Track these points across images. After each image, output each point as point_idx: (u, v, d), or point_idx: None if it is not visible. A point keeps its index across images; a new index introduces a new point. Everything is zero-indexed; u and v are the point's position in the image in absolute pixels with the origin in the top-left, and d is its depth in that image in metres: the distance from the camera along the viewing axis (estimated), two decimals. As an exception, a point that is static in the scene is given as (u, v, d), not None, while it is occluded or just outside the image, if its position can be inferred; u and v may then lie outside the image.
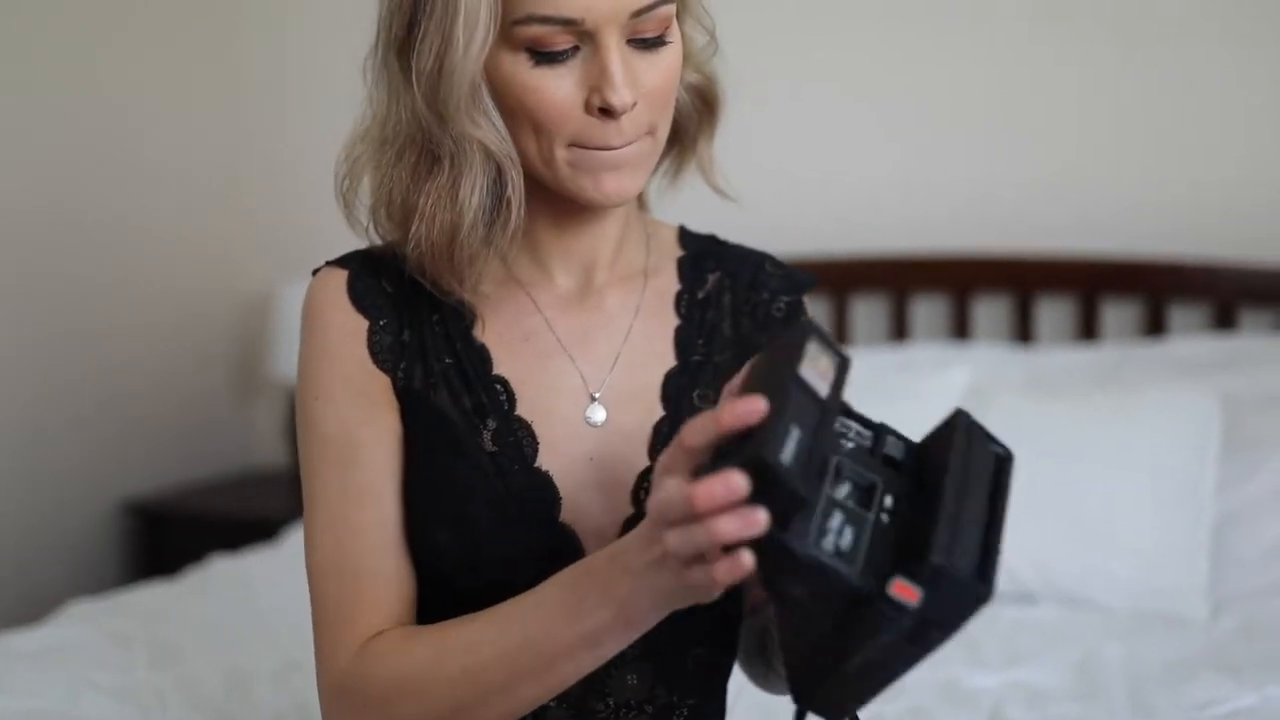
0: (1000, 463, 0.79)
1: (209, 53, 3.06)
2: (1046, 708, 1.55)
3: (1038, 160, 2.50)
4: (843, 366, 0.78)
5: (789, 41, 2.55)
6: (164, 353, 2.98)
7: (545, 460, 0.98)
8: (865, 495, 0.76)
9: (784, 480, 0.70)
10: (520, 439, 0.98)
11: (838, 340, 2.53)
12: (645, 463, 0.99)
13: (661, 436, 1.00)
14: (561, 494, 0.97)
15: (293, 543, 2.18)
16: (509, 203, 0.93)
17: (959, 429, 0.78)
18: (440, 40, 0.90)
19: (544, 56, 0.90)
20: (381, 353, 0.98)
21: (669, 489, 0.74)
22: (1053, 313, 2.51)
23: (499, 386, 0.99)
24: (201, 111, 3.05)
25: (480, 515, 0.96)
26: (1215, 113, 2.40)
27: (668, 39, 0.93)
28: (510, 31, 0.89)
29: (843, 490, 0.75)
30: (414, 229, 0.94)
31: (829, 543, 0.72)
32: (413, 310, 1.00)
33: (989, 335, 2.54)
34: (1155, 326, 2.41)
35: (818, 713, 0.80)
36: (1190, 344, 2.30)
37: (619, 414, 1.00)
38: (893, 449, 0.78)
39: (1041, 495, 1.98)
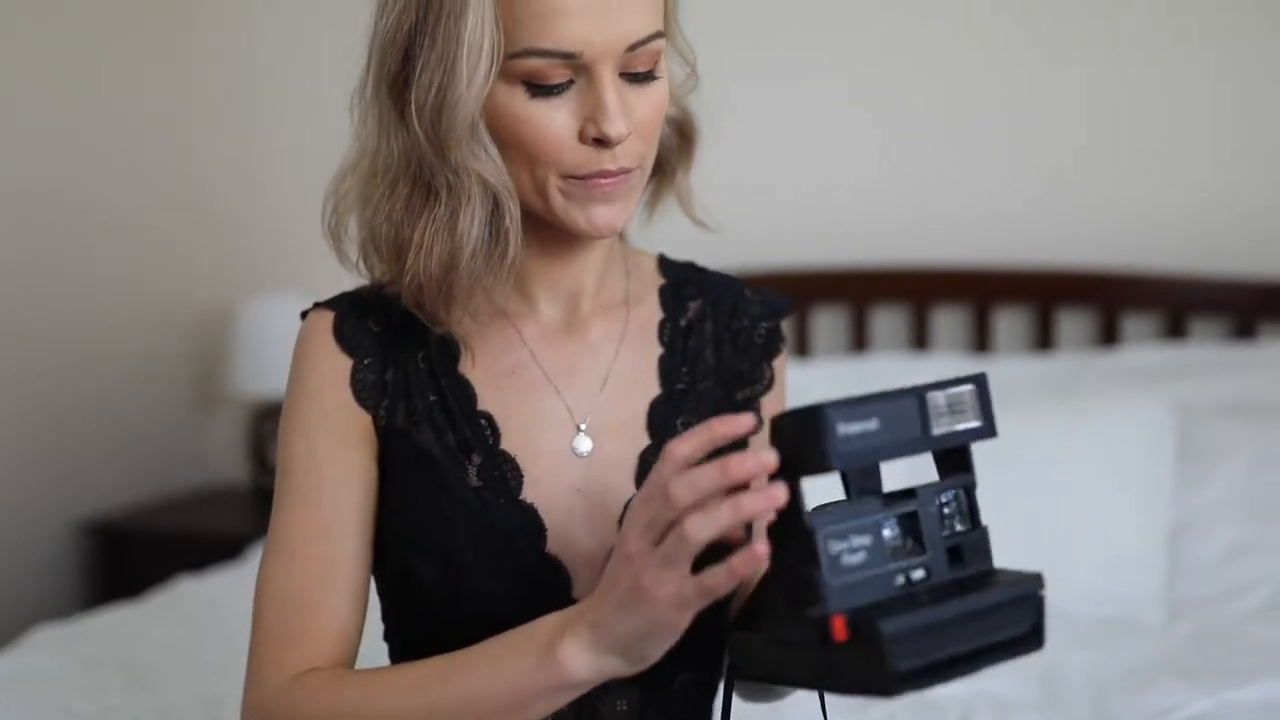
0: (1035, 607, 0.81)
1: (170, 64, 3.04)
2: (1012, 717, 1.58)
3: (994, 174, 2.54)
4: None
5: (747, 54, 2.57)
6: (121, 367, 2.95)
7: (531, 493, 0.99)
8: (903, 547, 0.80)
9: (827, 451, 0.75)
10: (505, 473, 0.99)
11: (802, 353, 2.57)
12: (632, 491, 1.00)
13: (647, 465, 1.01)
14: (548, 525, 0.99)
15: (258, 559, 2.18)
16: (506, 234, 0.95)
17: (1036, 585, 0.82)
18: (443, 73, 0.91)
19: (540, 89, 0.91)
20: (364, 391, 1.00)
21: (693, 474, 0.76)
22: (1010, 323, 2.56)
23: (483, 422, 1.01)
24: (162, 122, 3.03)
25: (466, 549, 0.97)
26: (1165, 129, 2.45)
27: (657, 73, 0.95)
28: (507, 65, 0.91)
29: (890, 526, 0.79)
30: (410, 261, 0.95)
31: (840, 548, 0.76)
32: (398, 349, 1.01)
33: (948, 346, 2.58)
34: (1109, 336, 2.46)
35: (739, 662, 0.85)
36: (1143, 353, 2.35)
37: (605, 443, 1.02)
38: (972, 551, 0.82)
39: (1003, 504, 2.00)
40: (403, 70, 0.94)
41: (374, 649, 1.04)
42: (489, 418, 1.01)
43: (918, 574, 0.79)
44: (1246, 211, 2.41)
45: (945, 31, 2.55)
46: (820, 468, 0.76)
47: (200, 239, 3.10)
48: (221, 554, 2.60)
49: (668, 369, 1.05)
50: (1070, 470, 2.04)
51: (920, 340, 2.56)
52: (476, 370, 1.01)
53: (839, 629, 0.75)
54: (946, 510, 0.82)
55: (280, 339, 2.79)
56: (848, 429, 0.75)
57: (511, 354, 1.02)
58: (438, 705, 0.88)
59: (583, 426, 1.02)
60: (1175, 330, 2.43)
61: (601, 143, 0.92)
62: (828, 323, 2.65)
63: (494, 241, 0.95)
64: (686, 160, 1.05)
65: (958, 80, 2.56)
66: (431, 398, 1.00)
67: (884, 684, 0.74)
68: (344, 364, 1.00)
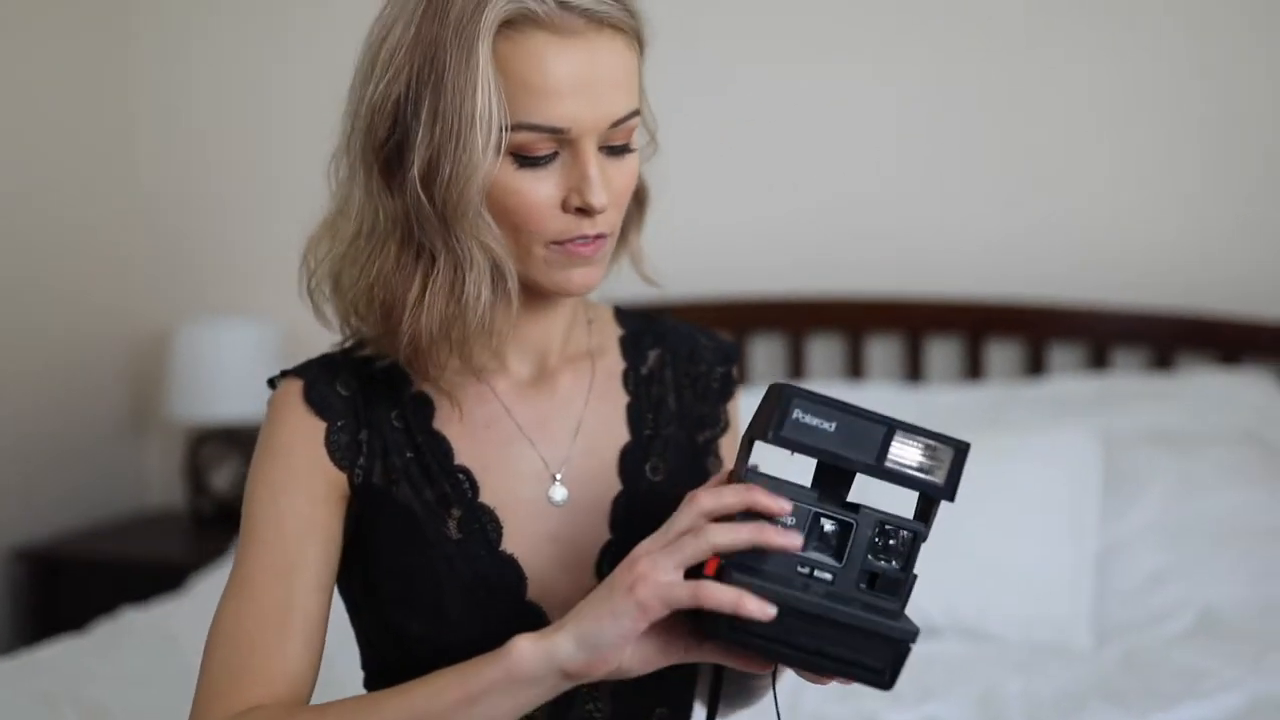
0: (898, 653, 0.85)
1: (111, 80, 3.02)
2: (955, 742, 1.65)
3: (927, 210, 2.62)
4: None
5: (668, 87, 2.62)
6: (53, 388, 2.90)
7: (510, 543, 1.03)
8: (823, 547, 0.87)
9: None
10: (484, 525, 1.03)
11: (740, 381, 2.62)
12: (606, 537, 1.05)
13: (619, 510, 1.06)
14: (528, 574, 1.02)
15: (205, 593, 2.17)
16: (509, 294, 0.99)
17: None
18: (453, 148, 0.93)
19: (527, 160, 0.96)
20: (338, 451, 1.02)
21: (720, 490, 0.85)
22: (942, 353, 2.64)
23: (461, 476, 1.04)
24: (97, 144, 3.00)
25: (451, 602, 1.00)
26: (1088, 169, 2.55)
27: (632, 146, 1.00)
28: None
29: (820, 522, 0.86)
30: (405, 320, 0.98)
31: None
32: (369, 409, 1.04)
33: (882, 375, 2.65)
34: (1036, 366, 2.55)
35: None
36: (1069, 383, 2.44)
37: (579, 492, 1.06)
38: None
39: (940, 532, 2.08)
40: (391, 137, 0.96)
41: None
42: (467, 471, 1.04)
43: (823, 575, 0.85)
44: (1166, 247, 2.52)
45: (871, 70, 2.63)
46: (762, 435, 0.84)
47: (137, 260, 3.08)
48: (160, 581, 2.59)
49: (634, 416, 1.10)
50: (1001, 499, 2.12)
51: (855, 369, 2.63)
52: (451, 425, 1.04)
53: (710, 566, 0.83)
54: (880, 540, 0.86)
55: (219, 362, 2.79)
56: (802, 417, 0.83)
57: (485, 408, 1.05)
58: (388, 714, 0.90)
59: (558, 476, 1.06)
60: (1098, 361, 2.52)
61: (584, 211, 0.97)
62: (765, 352, 2.71)
63: (497, 302, 0.99)
64: (639, 223, 1.10)
65: (886, 119, 2.63)
66: (408, 454, 1.03)
67: (715, 627, 0.82)
68: (317, 426, 1.02)
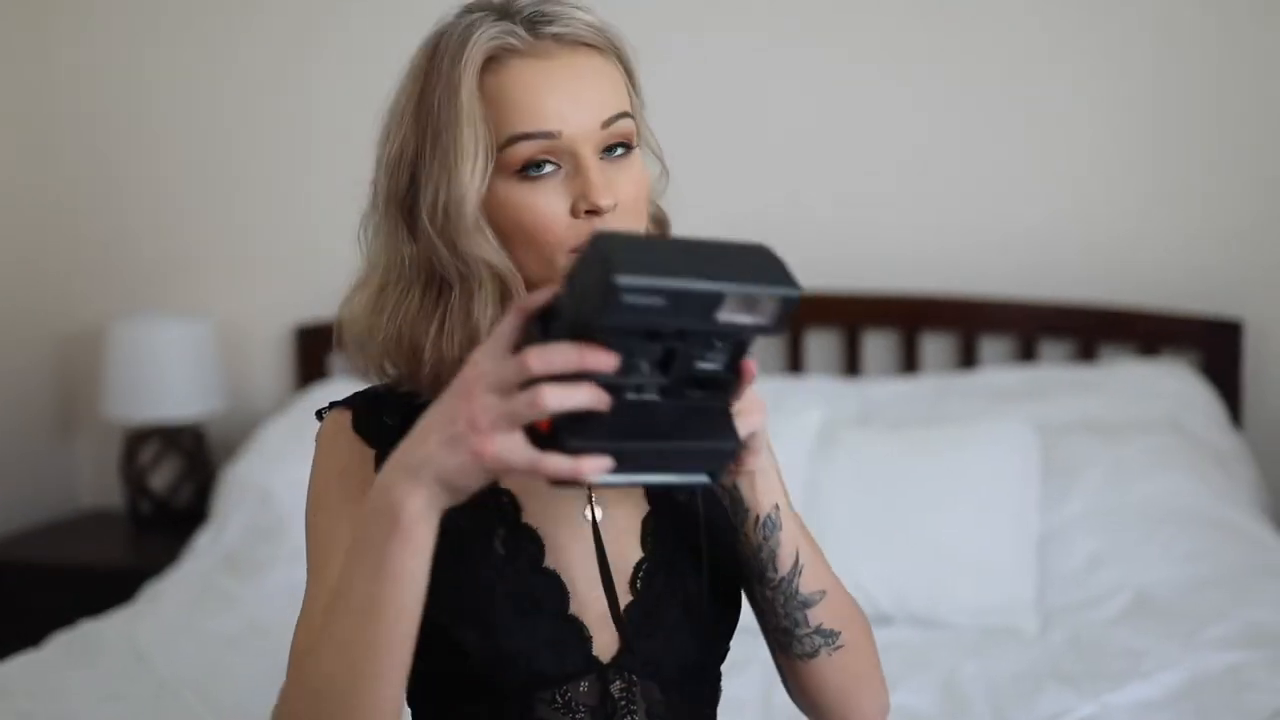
0: (720, 459, 0.90)
1: (33, 81, 2.94)
2: (925, 729, 1.73)
3: (862, 208, 2.70)
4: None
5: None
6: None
7: (552, 559, 1.08)
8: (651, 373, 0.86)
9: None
10: (528, 544, 1.07)
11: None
12: (639, 554, 1.10)
13: (649, 529, 1.11)
14: (569, 590, 1.07)
15: (168, 604, 2.16)
16: None
17: None
18: (446, 178, 1.01)
19: (530, 175, 1.01)
20: None
21: (551, 350, 0.82)
22: (877, 346, 2.73)
23: (505, 499, 1.08)
24: (18, 138, 2.93)
25: (501, 611, 1.05)
26: (1017, 166, 2.65)
27: (633, 144, 1.06)
28: (500, 158, 1.01)
29: (647, 354, 0.85)
30: (428, 352, 1.04)
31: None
32: None
33: (821, 368, 2.73)
34: (968, 358, 2.66)
35: None
36: (1000, 374, 2.54)
37: (612, 511, 1.10)
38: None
39: (889, 524, 2.18)
40: (410, 188, 1.04)
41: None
42: (510, 494, 1.08)
43: (650, 396, 0.86)
44: (1089, 241, 2.64)
45: (809, 69, 2.70)
46: (592, 320, 0.82)
47: (66, 257, 3.01)
48: (97, 584, 2.56)
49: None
50: (946, 490, 2.21)
51: (794, 362, 2.70)
52: None
53: (544, 423, 0.84)
54: (704, 349, 0.87)
55: (154, 360, 2.75)
56: (633, 300, 0.81)
57: None
58: (331, 612, 0.92)
59: (592, 496, 1.10)
60: (1026, 353, 2.64)
61: (594, 214, 1.02)
62: (706, 345, 2.76)
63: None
64: None
65: (828, 116, 2.70)
66: None
67: (555, 444, 0.83)
68: (366, 453, 1.06)
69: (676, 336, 0.85)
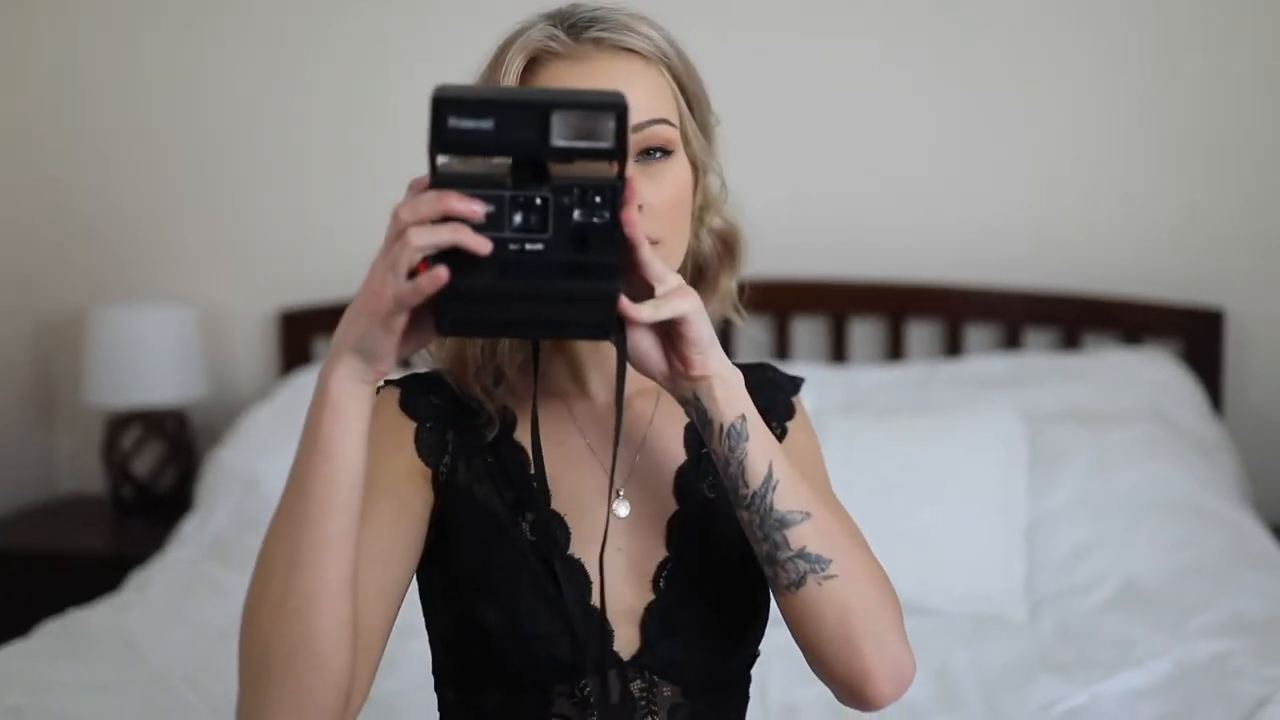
0: (606, 306, 0.91)
1: (16, 67, 2.90)
2: (921, 719, 1.74)
3: (850, 194, 2.71)
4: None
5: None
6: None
7: (577, 549, 1.09)
8: (526, 224, 0.90)
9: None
10: (555, 530, 1.08)
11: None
12: (663, 553, 1.10)
13: (674, 528, 1.11)
14: (593, 580, 1.08)
15: (157, 592, 2.14)
16: None
17: None
18: None
19: None
20: (425, 450, 1.09)
21: (416, 199, 0.89)
22: (864, 333, 2.74)
23: (536, 485, 1.09)
24: (7, 123, 2.89)
25: (524, 594, 1.06)
26: (1002, 157, 2.67)
27: (670, 149, 1.06)
28: None
29: (518, 203, 0.90)
30: (469, 346, 1.09)
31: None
32: (457, 417, 1.11)
33: (808, 355, 2.74)
34: (954, 346, 2.67)
35: None
36: (985, 362, 2.56)
37: (640, 508, 1.11)
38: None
39: (876, 512, 2.18)
40: None
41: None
42: (540, 479, 1.09)
43: (534, 248, 0.90)
44: (1074, 231, 2.66)
45: (798, 61, 2.70)
46: (431, 149, 0.88)
47: (47, 242, 2.98)
48: (81, 569, 2.54)
49: (693, 437, 1.15)
50: (935, 478, 2.23)
51: (781, 349, 2.71)
52: (529, 439, 1.09)
53: (421, 268, 0.88)
54: (584, 202, 0.90)
55: (135, 346, 2.73)
56: (459, 122, 0.87)
57: (561, 428, 1.12)
58: (281, 512, 0.95)
59: (621, 492, 1.11)
60: (1011, 341, 2.66)
61: None
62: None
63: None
64: (730, 268, 1.16)
65: (816, 107, 2.71)
66: (489, 459, 1.10)
67: (442, 324, 0.90)
68: (409, 427, 1.09)
69: (541, 185, 0.88)
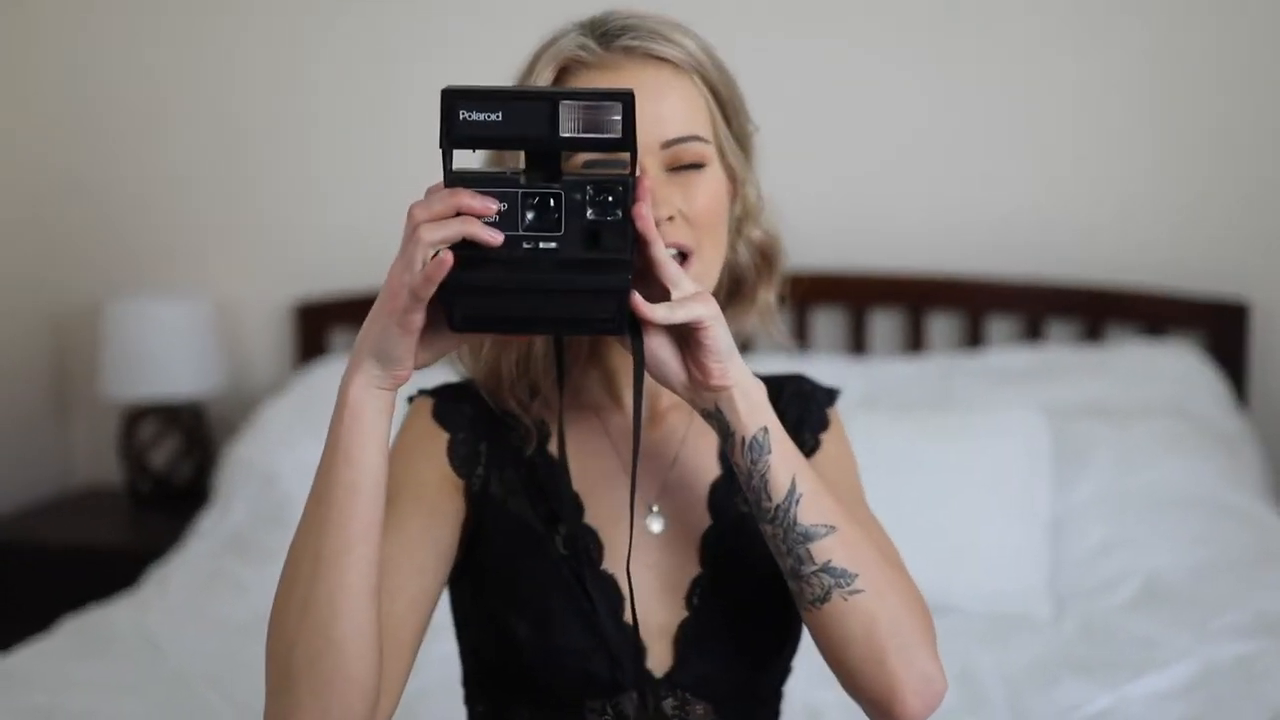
0: (619, 300, 0.91)
1: (31, 62, 2.89)
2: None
3: (869, 185, 2.69)
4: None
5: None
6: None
7: (610, 564, 1.08)
8: (539, 222, 0.91)
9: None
10: (588, 544, 1.07)
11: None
12: (697, 569, 1.09)
13: (709, 543, 1.10)
14: (625, 595, 1.06)
15: (177, 589, 2.13)
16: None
17: None
18: None
19: None
20: (459, 461, 1.09)
21: (429, 198, 0.90)
22: (884, 325, 2.71)
23: (569, 498, 1.08)
24: (22, 115, 2.88)
25: (556, 607, 1.05)
26: (1021, 148, 2.64)
27: (703, 165, 1.04)
28: None
29: (531, 200, 0.91)
30: (486, 348, 1.09)
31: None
32: (491, 428, 1.10)
33: (827, 347, 2.72)
34: (975, 339, 2.65)
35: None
36: (1007, 355, 2.54)
37: (673, 523, 1.10)
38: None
39: (897, 508, 2.16)
40: None
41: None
42: (575, 495, 1.07)
43: (548, 245, 0.91)
44: (1096, 221, 2.63)
45: (816, 50, 2.67)
46: (443, 142, 0.89)
47: (63, 235, 2.97)
48: (99, 563, 2.54)
49: (726, 453, 1.12)
50: (958, 475, 2.20)
51: (801, 341, 2.69)
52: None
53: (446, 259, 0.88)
54: (596, 200, 0.91)
55: (152, 339, 2.72)
56: (469, 115, 0.88)
57: (594, 442, 1.11)
58: (305, 517, 0.95)
59: (654, 508, 1.09)
60: (1033, 333, 2.63)
61: None
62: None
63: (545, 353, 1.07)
64: (768, 279, 1.14)
65: (836, 95, 2.68)
66: (523, 471, 1.10)
67: (454, 321, 0.91)
68: (442, 438, 1.09)
69: (551, 183, 0.89)
